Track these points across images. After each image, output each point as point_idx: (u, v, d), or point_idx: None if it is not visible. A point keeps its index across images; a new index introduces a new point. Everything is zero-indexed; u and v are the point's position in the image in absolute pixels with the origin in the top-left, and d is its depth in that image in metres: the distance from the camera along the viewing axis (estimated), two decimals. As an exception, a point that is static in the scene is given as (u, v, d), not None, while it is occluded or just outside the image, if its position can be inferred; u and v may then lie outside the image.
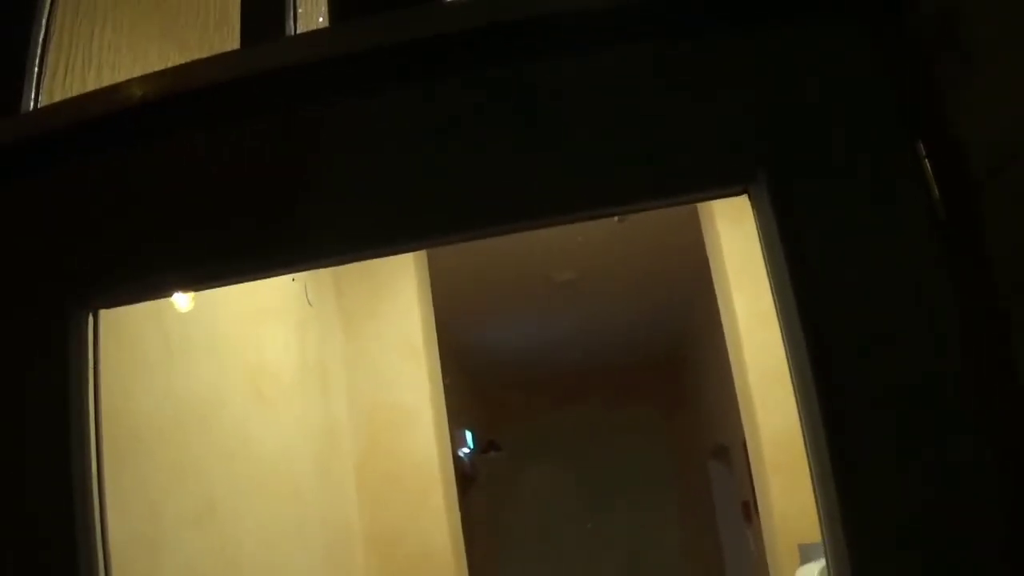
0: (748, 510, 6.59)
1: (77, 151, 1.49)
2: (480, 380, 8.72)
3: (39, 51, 1.67)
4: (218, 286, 1.54)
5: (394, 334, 4.60)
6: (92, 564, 1.39)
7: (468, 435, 7.86)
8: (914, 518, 1.15)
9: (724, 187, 1.33)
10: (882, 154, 1.27)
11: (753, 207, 1.30)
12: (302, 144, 1.41)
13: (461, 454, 7.46)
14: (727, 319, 4.49)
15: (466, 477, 7.63)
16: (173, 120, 1.45)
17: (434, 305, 4.95)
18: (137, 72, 1.55)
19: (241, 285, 3.30)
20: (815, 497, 1.23)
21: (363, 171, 1.38)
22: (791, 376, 1.26)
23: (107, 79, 1.69)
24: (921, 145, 1.26)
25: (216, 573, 2.75)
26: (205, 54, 1.48)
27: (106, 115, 1.44)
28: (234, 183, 1.44)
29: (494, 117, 1.35)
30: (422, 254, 4.85)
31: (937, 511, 1.16)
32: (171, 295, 1.57)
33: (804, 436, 1.24)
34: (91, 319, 1.49)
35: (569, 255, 6.09)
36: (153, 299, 1.58)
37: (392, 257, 4.64)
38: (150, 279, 1.48)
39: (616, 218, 2.04)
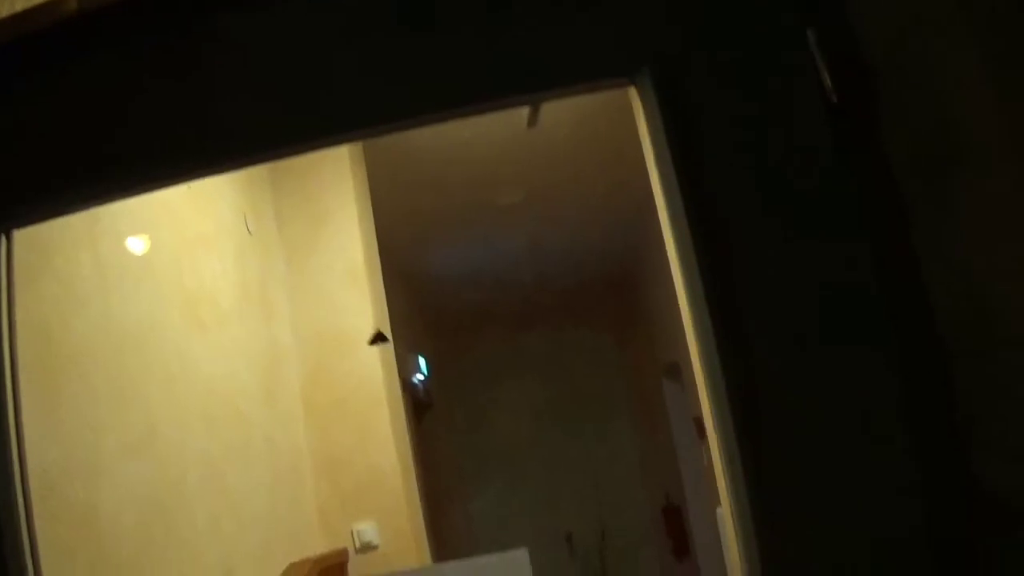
0: (700, 426, 6.71)
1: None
2: (432, 306, 8.75)
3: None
4: (130, 196, 1.54)
5: (336, 262, 4.61)
6: (9, 488, 1.40)
7: (421, 361, 7.89)
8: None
9: (608, 78, 1.35)
10: (773, 43, 1.29)
11: (640, 101, 1.32)
12: (197, 56, 1.42)
13: (415, 380, 7.49)
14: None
15: (420, 403, 7.68)
16: (68, 42, 1.44)
17: (380, 233, 4.95)
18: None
19: (178, 214, 3.30)
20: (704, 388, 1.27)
21: (257, 76, 1.39)
22: (680, 282, 1.29)
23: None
24: (812, 31, 1.28)
25: (159, 498, 2.78)
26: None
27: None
28: (138, 97, 1.45)
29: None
30: (363, 182, 4.84)
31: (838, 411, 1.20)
32: (84, 208, 1.56)
33: (694, 333, 1.27)
34: (3, 239, 1.49)
35: (513, 178, 6.09)
36: (66, 214, 1.58)
37: (333, 185, 4.64)
38: (62, 195, 1.49)
39: (526, 125, 2.04)
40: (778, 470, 1.18)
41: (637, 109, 1.35)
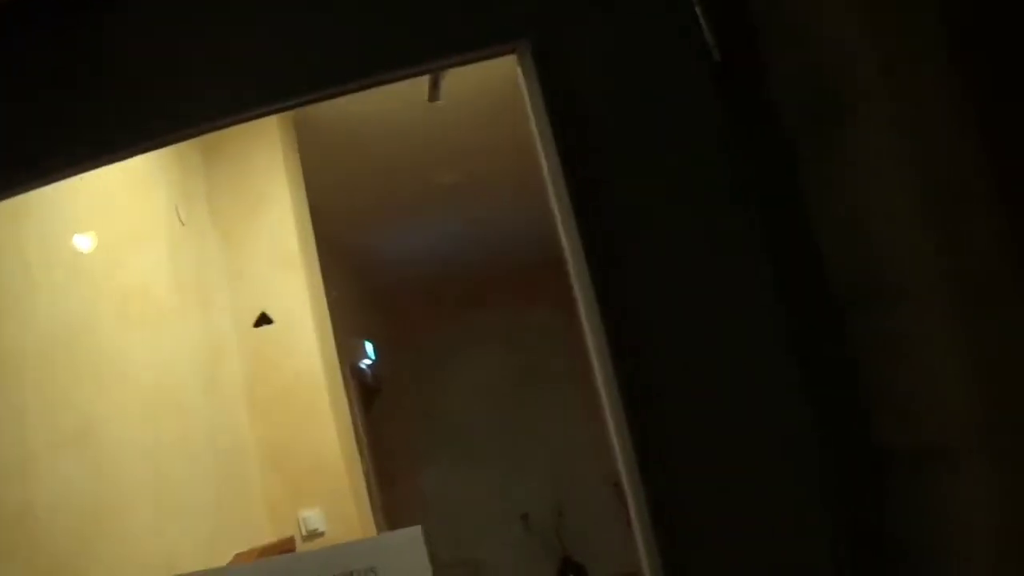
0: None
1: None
2: (378, 290, 8.73)
3: None
4: (81, 171, 1.53)
5: (271, 247, 4.57)
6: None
7: (368, 346, 7.87)
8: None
9: (490, 47, 1.35)
10: (656, 3, 1.30)
11: (520, 68, 1.33)
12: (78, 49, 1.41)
13: (362, 366, 7.48)
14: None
15: (369, 389, 7.67)
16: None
17: (319, 217, 4.92)
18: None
19: (108, 211, 3.26)
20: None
21: (155, 55, 1.39)
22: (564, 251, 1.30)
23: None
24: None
25: (95, 493, 2.77)
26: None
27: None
28: (48, 79, 1.44)
29: None
30: (296, 165, 4.80)
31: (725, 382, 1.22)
32: (42, 185, 1.54)
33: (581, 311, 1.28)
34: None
35: (450, 157, 6.08)
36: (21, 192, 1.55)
37: (266, 170, 4.60)
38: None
39: (428, 100, 2.03)
40: (673, 444, 1.19)
41: (520, 79, 1.35)
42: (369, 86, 1.43)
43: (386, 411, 8.16)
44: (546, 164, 1.32)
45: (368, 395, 7.72)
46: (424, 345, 9.45)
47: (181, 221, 4.14)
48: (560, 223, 1.31)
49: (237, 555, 3.62)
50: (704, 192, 1.24)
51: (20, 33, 1.43)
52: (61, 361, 2.78)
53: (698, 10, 1.28)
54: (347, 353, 6.84)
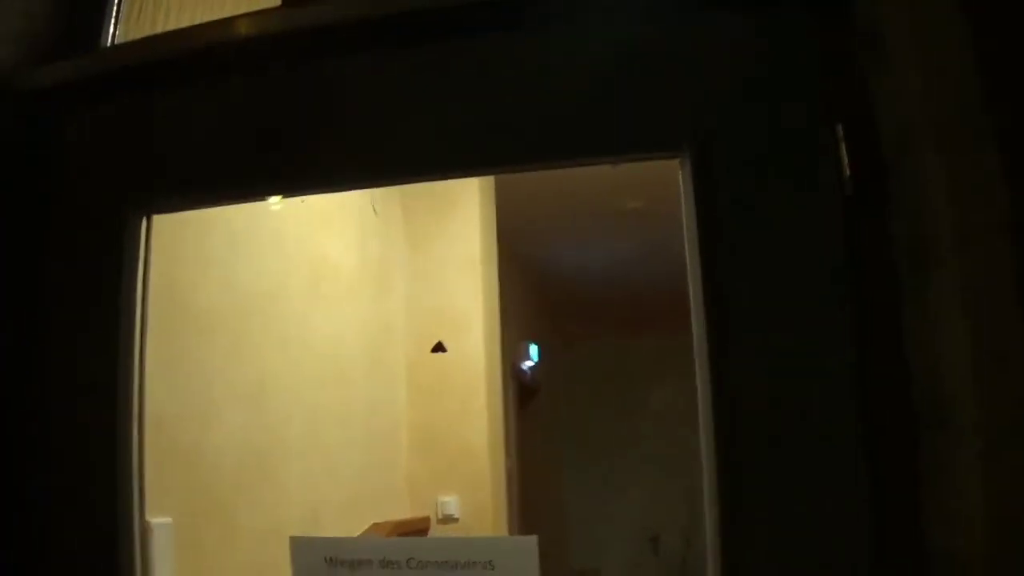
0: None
1: (143, 85, 1.79)
2: (549, 297, 8.94)
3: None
4: (241, 202, 1.84)
5: (454, 248, 4.90)
6: (127, 427, 1.70)
7: (533, 349, 8.10)
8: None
9: (656, 152, 1.57)
10: (803, 133, 1.49)
11: (680, 173, 1.54)
12: (318, 94, 1.70)
13: (524, 367, 7.71)
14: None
15: (527, 388, 7.91)
16: (220, 63, 1.74)
17: (506, 228, 5.18)
18: (199, 14, 1.85)
19: (308, 199, 3.61)
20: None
21: (361, 119, 1.66)
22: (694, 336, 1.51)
23: (173, 21, 1.98)
24: (840, 127, 1.47)
25: (258, 444, 3.11)
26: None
27: (162, 58, 1.74)
28: (268, 120, 1.74)
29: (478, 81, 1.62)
30: (489, 181, 5.07)
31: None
32: (208, 207, 1.87)
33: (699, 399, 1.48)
34: (144, 222, 1.79)
35: (637, 185, 6.25)
36: (194, 209, 1.89)
37: (458, 182, 4.89)
38: (191, 194, 1.79)
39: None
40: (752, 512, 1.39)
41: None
42: (547, 167, 1.70)
43: (539, 412, 8.36)
44: (688, 260, 1.52)
45: (525, 395, 7.95)
46: (585, 357, 9.60)
47: (375, 211, 4.49)
48: (693, 306, 1.51)
49: (374, 524, 3.94)
50: (818, 311, 1.42)
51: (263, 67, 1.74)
52: (252, 323, 3.13)
53: (843, 144, 1.46)
54: (512, 353, 7.11)
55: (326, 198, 3.87)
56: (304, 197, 1.78)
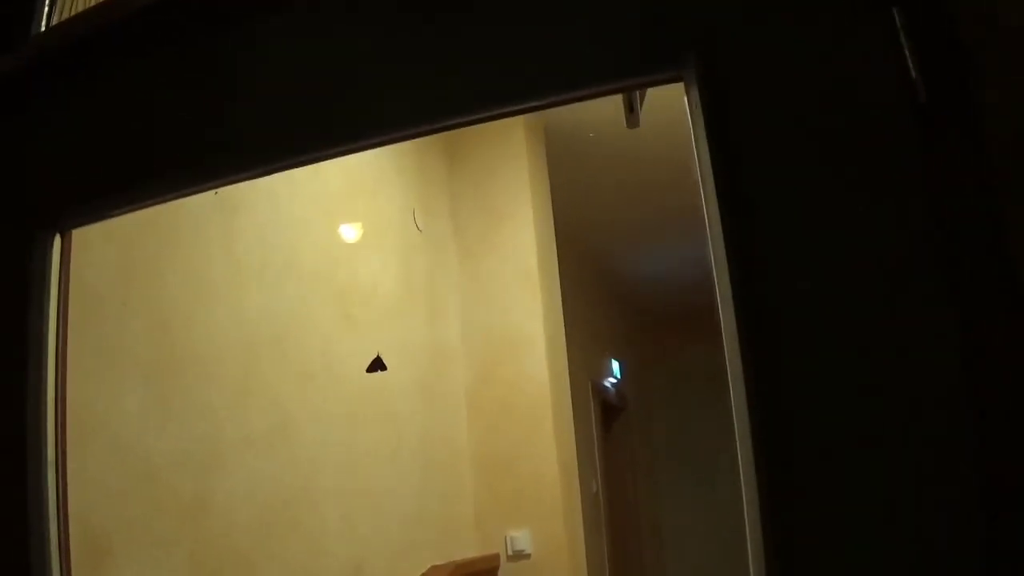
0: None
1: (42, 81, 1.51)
2: (632, 310, 8.63)
3: None
4: (171, 199, 1.52)
5: (510, 263, 4.57)
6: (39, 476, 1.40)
7: (615, 365, 7.78)
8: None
9: (650, 74, 1.19)
10: (846, 25, 1.10)
11: (687, 97, 1.16)
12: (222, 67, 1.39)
13: (607, 384, 7.39)
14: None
15: (611, 407, 7.57)
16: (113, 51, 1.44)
17: (576, 241, 4.87)
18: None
19: (331, 210, 3.31)
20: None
21: (277, 81, 1.34)
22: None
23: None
24: (896, 11, 1.08)
25: (284, 493, 2.79)
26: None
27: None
28: (172, 104, 1.43)
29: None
30: (543, 183, 4.76)
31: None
32: (130, 211, 1.55)
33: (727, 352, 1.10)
34: (57, 239, 1.49)
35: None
36: (114, 216, 1.57)
37: (511, 187, 4.60)
38: (110, 197, 1.49)
39: (626, 125, 1.88)
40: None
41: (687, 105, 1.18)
42: (528, 110, 1.32)
43: (626, 431, 8.02)
44: (706, 213, 1.16)
45: (610, 413, 7.62)
46: (672, 368, 9.25)
47: (418, 228, 4.18)
48: (716, 278, 1.14)
49: (433, 567, 3.60)
50: (895, 246, 1.04)
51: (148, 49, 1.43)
52: (264, 357, 2.83)
53: (901, 35, 1.07)
54: (591, 371, 6.79)
55: (353, 216, 3.56)
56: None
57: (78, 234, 1.54)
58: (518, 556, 4.22)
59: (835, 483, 1.02)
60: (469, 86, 1.24)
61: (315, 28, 1.35)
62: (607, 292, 7.69)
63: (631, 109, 1.92)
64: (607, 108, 4.81)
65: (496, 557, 4.17)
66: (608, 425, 7.53)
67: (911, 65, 1.06)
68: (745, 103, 1.11)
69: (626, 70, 1.19)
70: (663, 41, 1.16)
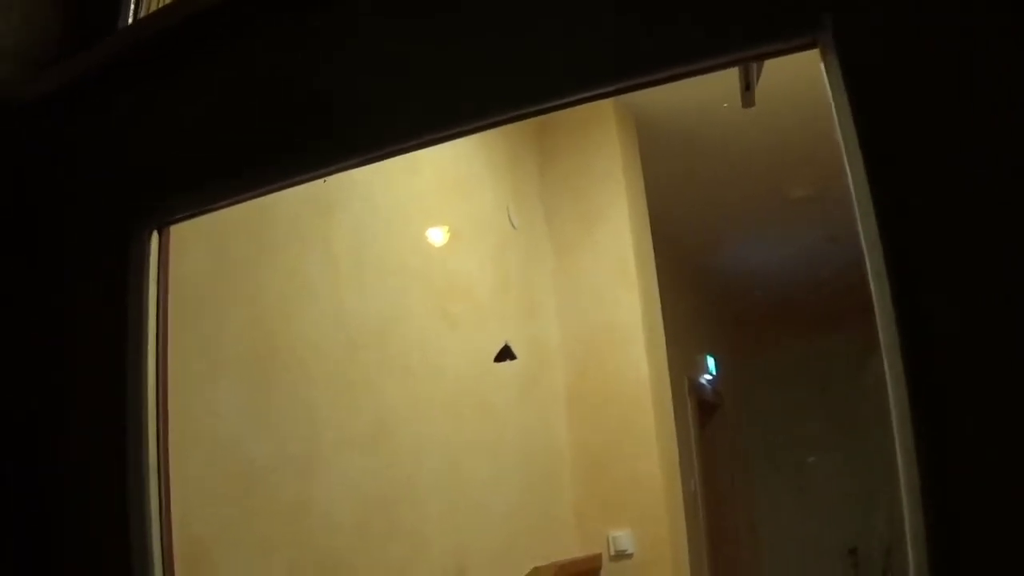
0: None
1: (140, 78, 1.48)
2: (726, 305, 8.47)
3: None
4: (275, 190, 1.47)
5: (606, 259, 4.48)
6: (141, 477, 1.36)
7: (710, 361, 7.64)
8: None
9: (784, 40, 1.10)
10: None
11: (823, 64, 1.07)
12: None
13: (702, 380, 7.27)
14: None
15: (707, 404, 7.45)
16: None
17: (670, 238, 4.78)
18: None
19: (428, 208, 3.26)
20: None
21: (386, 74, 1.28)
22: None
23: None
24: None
25: (383, 492, 2.75)
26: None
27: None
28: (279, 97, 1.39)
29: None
30: (638, 178, 4.67)
31: None
32: (230, 204, 1.50)
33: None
34: (156, 236, 1.46)
35: (798, 172, 5.73)
36: (213, 210, 1.53)
37: (604, 182, 4.51)
38: (208, 191, 1.45)
39: (741, 105, 1.80)
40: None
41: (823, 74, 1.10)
42: (656, 83, 1.25)
43: (723, 428, 7.87)
44: (852, 187, 1.08)
45: (706, 410, 7.49)
46: (768, 364, 9.06)
47: (512, 224, 4.12)
48: (864, 244, 1.06)
49: (535, 569, 3.53)
50: None
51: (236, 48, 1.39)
52: (364, 356, 2.79)
53: None
54: (687, 367, 6.67)
55: (450, 214, 3.52)
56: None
57: (176, 235, 1.51)
58: (620, 556, 4.13)
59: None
60: (609, 55, 1.17)
61: (419, 9, 1.29)
62: (701, 285, 7.56)
63: (747, 87, 1.83)
64: (702, 94, 4.73)
65: (598, 557, 4.09)
66: (704, 423, 7.39)
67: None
68: (891, 67, 1.02)
69: (756, 37, 1.10)
70: (796, 3, 1.07)
